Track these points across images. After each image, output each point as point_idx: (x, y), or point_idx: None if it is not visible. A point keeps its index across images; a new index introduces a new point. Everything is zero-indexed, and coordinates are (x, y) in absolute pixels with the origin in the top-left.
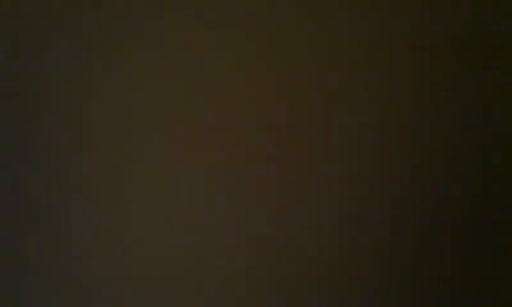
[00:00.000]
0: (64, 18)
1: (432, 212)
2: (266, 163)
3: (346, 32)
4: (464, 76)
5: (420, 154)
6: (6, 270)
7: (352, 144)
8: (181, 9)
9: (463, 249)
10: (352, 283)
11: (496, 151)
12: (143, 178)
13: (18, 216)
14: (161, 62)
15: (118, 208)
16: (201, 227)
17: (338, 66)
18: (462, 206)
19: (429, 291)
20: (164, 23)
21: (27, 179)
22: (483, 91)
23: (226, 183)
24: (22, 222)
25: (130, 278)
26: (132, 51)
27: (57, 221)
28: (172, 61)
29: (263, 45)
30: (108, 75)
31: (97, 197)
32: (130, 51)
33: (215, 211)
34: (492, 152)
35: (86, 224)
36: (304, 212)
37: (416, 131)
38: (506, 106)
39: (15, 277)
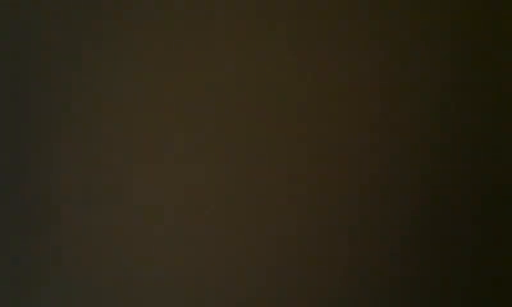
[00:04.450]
0: (63, 18)
1: (439, 212)
2: (266, 163)
3: (347, 32)
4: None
5: (424, 155)
6: (6, 270)
7: (354, 145)
8: (180, 9)
9: (468, 251)
10: (354, 285)
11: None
12: (142, 178)
13: (18, 216)
14: (161, 61)
15: (118, 208)
16: (201, 227)
17: (340, 66)
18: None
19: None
20: (163, 23)
21: (26, 179)
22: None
23: (226, 183)
24: (21, 222)
25: (129, 278)
26: (133, 51)
27: (57, 221)
28: (172, 60)
29: (263, 44)
30: (107, 74)
31: (97, 197)
32: (130, 51)
33: (214, 211)
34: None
35: (85, 224)
36: (305, 214)
37: (422, 132)
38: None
39: (15, 277)
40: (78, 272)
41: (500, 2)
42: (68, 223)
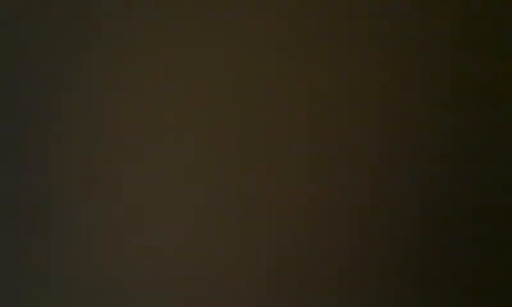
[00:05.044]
0: (63, 18)
1: (438, 212)
2: (265, 163)
3: (347, 32)
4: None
5: (424, 157)
6: (5, 271)
7: (354, 145)
8: (180, 9)
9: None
10: (354, 286)
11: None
12: (143, 178)
13: (18, 216)
14: (161, 61)
15: (118, 208)
16: (202, 226)
17: (340, 66)
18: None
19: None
20: (163, 23)
21: (26, 179)
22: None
23: (227, 182)
24: (21, 221)
25: (129, 278)
26: (133, 51)
27: (58, 221)
28: (172, 60)
29: (263, 44)
30: (107, 74)
31: (97, 197)
32: (130, 51)
33: (215, 210)
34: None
35: (85, 224)
36: (305, 214)
37: (421, 134)
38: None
39: (15, 277)
40: (78, 272)
41: (500, 2)
42: (68, 223)
